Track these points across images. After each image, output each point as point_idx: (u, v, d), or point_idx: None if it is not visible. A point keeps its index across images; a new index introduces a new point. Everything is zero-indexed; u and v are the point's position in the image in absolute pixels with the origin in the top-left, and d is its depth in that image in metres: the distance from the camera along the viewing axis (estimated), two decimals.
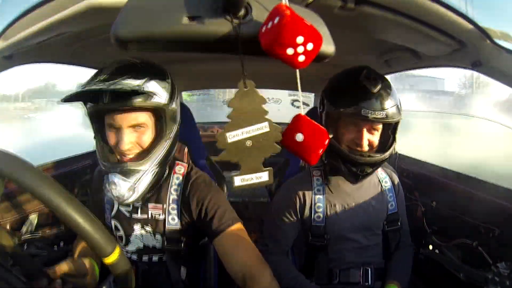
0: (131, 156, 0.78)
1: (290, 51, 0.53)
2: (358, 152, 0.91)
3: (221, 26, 0.57)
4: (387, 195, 1.04)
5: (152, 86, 0.75)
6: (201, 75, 1.92)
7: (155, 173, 0.79)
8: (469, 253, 1.03)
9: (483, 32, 0.76)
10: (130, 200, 0.78)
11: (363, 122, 0.89)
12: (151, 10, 0.57)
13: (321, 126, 0.65)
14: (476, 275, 0.97)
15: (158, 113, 0.78)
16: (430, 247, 1.22)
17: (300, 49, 0.53)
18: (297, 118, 0.66)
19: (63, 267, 0.65)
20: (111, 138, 0.78)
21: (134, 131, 0.77)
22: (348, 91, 0.90)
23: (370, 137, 0.91)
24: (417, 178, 1.38)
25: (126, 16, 0.56)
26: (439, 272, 1.16)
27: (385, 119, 0.86)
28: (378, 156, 0.91)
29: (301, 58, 0.54)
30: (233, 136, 0.64)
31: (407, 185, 1.36)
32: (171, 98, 0.79)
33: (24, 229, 1.08)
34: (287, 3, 0.53)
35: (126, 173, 0.76)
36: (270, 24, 0.53)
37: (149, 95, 0.74)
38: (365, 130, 0.90)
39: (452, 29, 0.77)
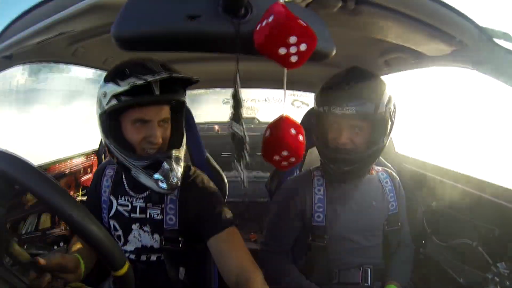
0: (154, 151, 0.80)
1: (282, 50, 0.52)
2: (336, 148, 0.92)
3: (221, 25, 0.57)
4: (388, 196, 1.04)
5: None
6: (201, 75, 1.91)
7: (183, 163, 0.83)
8: (469, 253, 1.03)
9: (483, 32, 0.76)
10: (175, 186, 0.79)
11: (339, 119, 0.89)
12: (151, 10, 0.57)
13: (285, 136, 0.63)
14: (476, 275, 0.97)
15: (177, 108, 0.84)
16: (430, 247, 1.22)
17: (293, 49, 0.52)
18: (282, 117, 0.65)
19: (54, 259, 0.64)
20: (138, 133, 0.78)
21: (161, 125, 0.80)
22: (326, 91, 0.93)
23: (353, 135, 0.91)
24: (417, 178, 1.38)
25: (126, 15, 0.57)
26: (439, 272, 1.16)
27: (356, 114, 0.86)
28: (357, 154, 0.91)
29: (294, 59, 0.53)
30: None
31: (407, 185, 1.36)
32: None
33: (24, 229, 1.08)
34: (286, 3, 0.53)
35: (177, 159, 0.79)
36: (264, 23, 0.53)
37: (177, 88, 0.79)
38: (344, 128, 0.90)
39: (452, 29, 0.77)
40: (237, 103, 0.61)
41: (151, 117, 0.78)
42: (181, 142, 0.84)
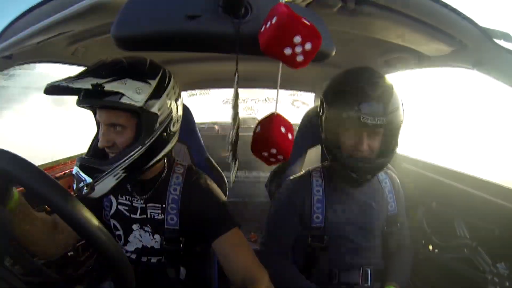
0: (112, 155, 0.76)
1: (288, 51, 0.52)
2: (359, 158, 0.88)
3: (221, 25, 0.57)
4: (387, 196, 1.04)
5: (118, 86, 0.69)
6: (201, 75, 1.92)
7: (119, 177, 0.74)
8: (469, 253, 1.03)
9: (483, 32, 0.76)
10: (91, 196, 0.74)
11: (364, 127, 0.85)
12: (151, 10, 0.57)
13: (274, 135, 0.64)
14: (476, 275, 0.97)
15: (135, 115, 0.74)
16: (430, 247, 1.22)
17: (298, 49, 0.52)
18: (274, 115, 0.66)
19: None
20: (99, 135, 0.78)
21: (113, 130, 0.75)
22: (347, 95, 0.86)
23: (371, 142, 0.88)
24: (417, 178, 1.38)
25: (126, 15, 0.57)
26: (439, 272, 1.16)
27: (385, 124, 0.84)
28: (378, 162, 0.89)
29: (300, 58, 0.54)
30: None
31: (407, 185, 1.36)
32: (151, 101, 0.73)
33: None
34: (286, 3, 0.53)
35: (86, 169, 0.73)
36: (268, 24, 0.53)
37: (114, 94, 0.69)
38: (365, 135, 0.87)
39: (452, 29, 0.77)
40: (235, 103, 0.62)
41: (100, 120, 0.76)
42: (128, 152, 0.74)
